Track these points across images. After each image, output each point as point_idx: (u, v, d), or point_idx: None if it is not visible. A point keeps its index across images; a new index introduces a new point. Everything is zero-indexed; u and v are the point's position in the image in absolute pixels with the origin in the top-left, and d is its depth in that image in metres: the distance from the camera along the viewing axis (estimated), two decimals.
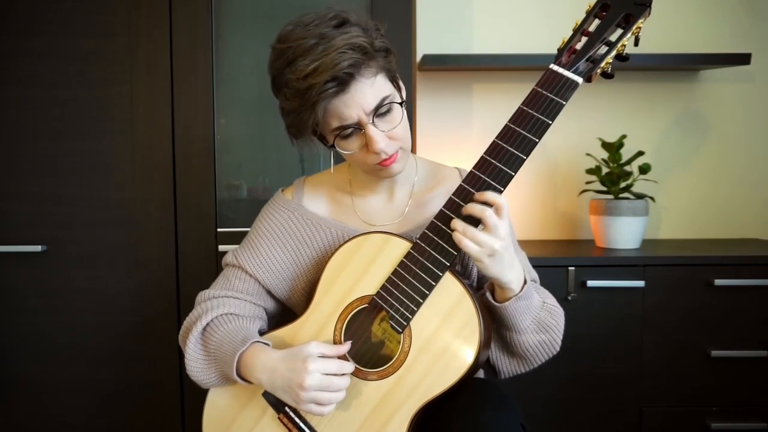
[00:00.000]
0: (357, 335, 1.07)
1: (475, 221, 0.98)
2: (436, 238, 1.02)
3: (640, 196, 1.87)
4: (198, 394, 1.17)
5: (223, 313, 1.14)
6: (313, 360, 1.00)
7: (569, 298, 1.66)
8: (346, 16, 1.03)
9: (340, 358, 1.05)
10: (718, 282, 1.66)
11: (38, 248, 1.62)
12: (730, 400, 1.70)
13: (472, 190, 1.01)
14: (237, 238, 1.61)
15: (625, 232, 1.82)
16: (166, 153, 1.63)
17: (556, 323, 1.11)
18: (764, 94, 2.09)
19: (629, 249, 1.83)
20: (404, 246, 1.05)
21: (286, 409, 1.07)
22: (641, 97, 2.09)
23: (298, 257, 1.20)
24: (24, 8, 1.60)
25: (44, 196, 1.64)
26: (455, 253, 1.00)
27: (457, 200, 1.01)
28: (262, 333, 1.16)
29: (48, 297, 1.65)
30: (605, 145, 1.89)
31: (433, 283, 1.01)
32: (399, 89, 1.10)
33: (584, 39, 1.00)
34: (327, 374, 1.01)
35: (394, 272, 1.04)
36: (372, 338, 1.07)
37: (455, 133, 2.08)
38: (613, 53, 1.00)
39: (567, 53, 1.00)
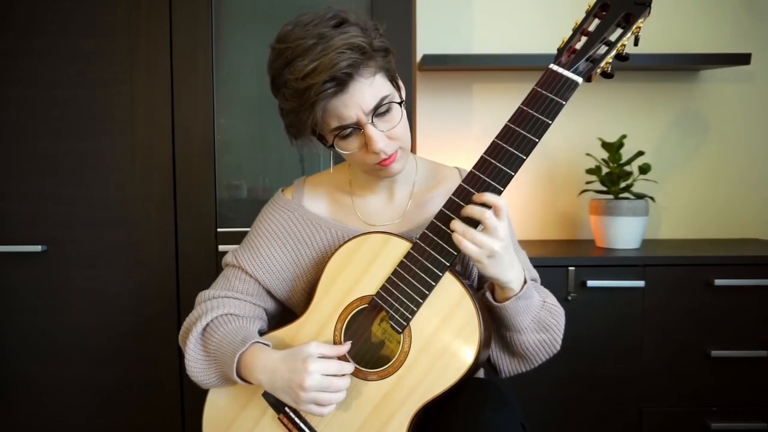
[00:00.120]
0: (357, 335, 1.07)
1: (474, 222, 0.98)
2: (435, 239, 1.02)
3: (640, 196, 1.87)
4: (198, 395, 1.17)
5: (223, 314, 1.14)
6: (313, 360, 1.00)
7: (569, 298, 1.66)
8: (345, 16, 1.03)
9: (340, 358, 1.05)
10: (718, 282, 1.66)
11: (38, 248, 1.62)
12: (730, 400, 1.70)
13: (472, 190, 1.00)
14: (237, 238, 1.61)
15: (625, 232, 1.82)
16: (166, 153, 1.63)
17: (556, 322, 1.11)
18: (764, 94, 2.09)
19: (629, 249, 1.83)
20: (404, 246, 1.05)
21: (286, 409, 1.07)
22: (641, 97, 2.09)
23: (298, 257, 1.20)
24: (24, 8, 1.60)
25: (44, 196, 1.64)
26: (455, 253, 1.00)
27: (456, 200, 1.01)
28: (262, 333, 1.16)
29: (48, 297, 1.65)
30: (605, 145, 1.88)
31: (433, 284, 1.01)
32: (398, 89, 1.10)
33: (584, 39, 1.00)
34: (327, 375, 1.01)
35: (394, 272, 1.04)
36: (372, 338, 1.07)
37: (455, 133, 2.08)
38: (613, 53, 1.00)
39: (567, 53, 1.00)
